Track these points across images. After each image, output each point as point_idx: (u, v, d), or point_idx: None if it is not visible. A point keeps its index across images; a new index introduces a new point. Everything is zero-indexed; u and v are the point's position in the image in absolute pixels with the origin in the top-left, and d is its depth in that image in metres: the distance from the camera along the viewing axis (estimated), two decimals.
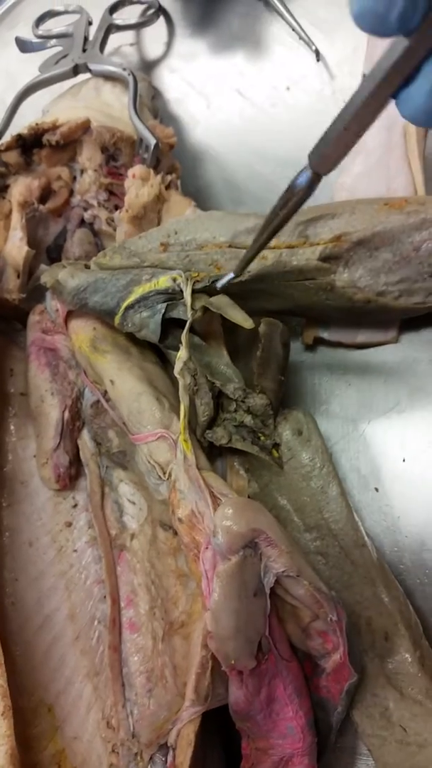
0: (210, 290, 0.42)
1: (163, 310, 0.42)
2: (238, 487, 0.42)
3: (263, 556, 0.35)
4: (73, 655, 0.41)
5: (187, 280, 0.42)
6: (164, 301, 0.42)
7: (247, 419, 0.41)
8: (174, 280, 0.42)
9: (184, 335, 0.40)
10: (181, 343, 0.41)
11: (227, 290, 0.42)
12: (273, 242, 0.43)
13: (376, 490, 0.43)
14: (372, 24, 0.24)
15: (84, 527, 0.45)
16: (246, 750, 0.37)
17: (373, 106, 0.27)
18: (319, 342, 0.48)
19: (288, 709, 0.36)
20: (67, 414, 0.46)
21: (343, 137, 0.30)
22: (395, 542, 0.41)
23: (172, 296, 0.42)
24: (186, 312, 0.41)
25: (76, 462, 0.46)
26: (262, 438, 0.41)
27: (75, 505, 0.45)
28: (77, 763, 0.40)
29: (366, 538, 0.40)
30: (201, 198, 0.53)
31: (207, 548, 0.35)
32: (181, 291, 0.41)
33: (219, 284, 0.41)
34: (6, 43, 0.77)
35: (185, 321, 0.42)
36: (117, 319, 0.43)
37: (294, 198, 0.34)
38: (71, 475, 0.46)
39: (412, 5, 0.23)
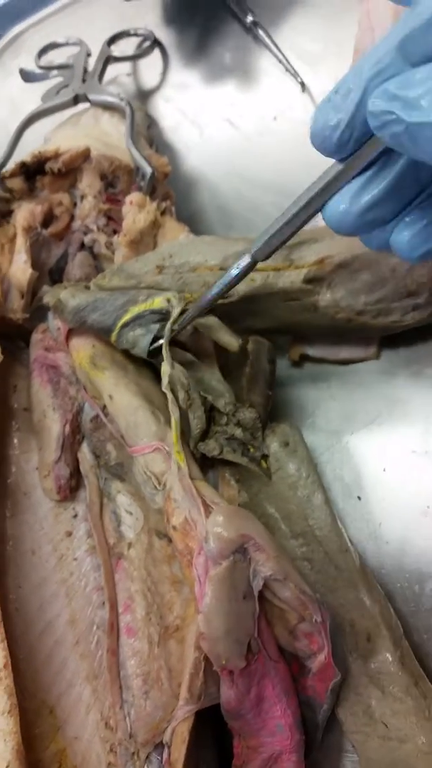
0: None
1: (155, 330, 0.44)
2: (229, 497, 0.44)
3: (252, 561, 0.37)
4: (74, 659, 0.43)
5: (180, 301, 0.44)
6: (158, 321, 0.44)
7: (238, 432, 0.44)
8: (168, 300, 0.44)
9: (164, 349, 0.42)
10: (176, 359, 0.43)
11: (216, 310, 0.45)
12: (260, 265, 0.46)
13: (359, 498, 0.45)
14: (319, 144, 0.29)
15: (83, 536, 0.47)
16: (237, 748, 0.39)
17: (307, 212, 0.33)
18: (304, 358, 0.50)
19: (276, 708, 0.38)
20: (67, 428, 0.48)
21: (279, 232, 0.34)
22: (377, 548, 0.43)
23: (166, 317, 0.44)
24: (179, 332, 0.44)
25: (76, 474, 0.48)
26: (252, 450, 0.44)
27: (75, 515, 0.48)
28: (77, 762, 0.41)
29: (349, 544, 0.43)
30: (194, 222, 0.56)
31: (200, 554, 0.37)
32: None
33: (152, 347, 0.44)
34: (9, 73, 0.80)
35: (180, 340, 0.44)
36: (113, 336, 0.45)
37: (231, 280, 0.38)
38: (71, 487, 0.48)
39: (347, 137, 0.28)
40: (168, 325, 0.43)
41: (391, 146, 0.27)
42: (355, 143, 0.28)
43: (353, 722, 0.40)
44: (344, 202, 0.30)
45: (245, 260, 0.37)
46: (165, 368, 0.42)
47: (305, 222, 0.33)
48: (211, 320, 0.44)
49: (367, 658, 0.40)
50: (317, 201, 0.32)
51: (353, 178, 0.30)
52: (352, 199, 0.30)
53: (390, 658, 0.40)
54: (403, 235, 0.31)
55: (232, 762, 0.39)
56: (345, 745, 0.41)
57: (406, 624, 0.41)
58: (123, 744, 0.41)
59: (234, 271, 0.38)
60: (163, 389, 0.42)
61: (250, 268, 0.37)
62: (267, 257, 0.36)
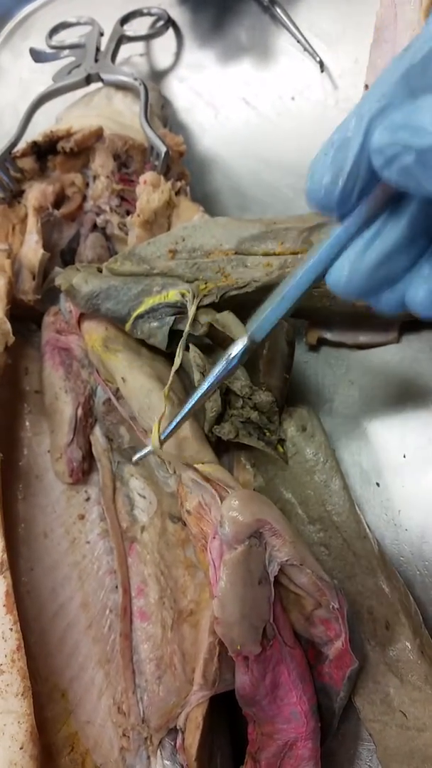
0: (217, 305, 0.44)
1: (171, 323, 0.44)
2: (244, 481, 0.44)
3: (268, 546, 0.36)
4: (86, 643, 0.43)
5: (194, 296, 0.43)
6: (172, 314, 0.44)
7: (254, 415, 0.43)
8: (182, 295, 0.44)
9: (177, 354, 0.41)
10: (186, 348, 0.43)
11: (233, 300, 0.44)
12: (277, 248, 0.45)
13: (377, 484, 0.44)
14: (319, 201, 0.26)
15: (96, 520, 0.47)
16: (252, 735, 0.39)
17: (309, 279, 0.29)
18: (322, 342, 0.49)
19: (292, 695, 0.38)
20: (80, 411, 0.48)
21: (277, 308, 0.31)
22: (396, 535, 0.43)
23: (180, 310, 0.44)
24: (194, 327, 0.43)
25: (88, 457, 0.48)
26: (268, 434, 0.43)
27: (87, 499, 0.47)
28: (90, 746, 0.41)
29: (367, 530, 0.42)
30: (208, 204, 0.55)
31: (214, 538, 0.36)
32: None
33: (134, 459, 0.41)
34: (19, 53, 0.79)
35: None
36: (127, 326, 0.45)
37: (230, 366, 0.33)
38: (84, 470, 0.47)
39: (350, 188, 0.25)
40: (186, 330, 0.42)
41: (400, 187, 0.24)
42: (359, 195, 0.25)
43: (371, 710, 0.40)
44: (349, 261, 0.27)
45: (241, 343, 0.33)
46: (177, 363, 0.41)
47: (306, 290, 0.30)
48: (228, 316, 0.43)
49: (386, 646, 0.40)
50: (319, 267, 0.28)
51: (357, 235, 0.27)
52: (358, 257, 0.27)
53: (409, 647, 0.39)
54: (421, 292, 0.27)
55: (247, 748, 0.39)
56: (361, 734, 0.40)
57: (426, 612, 0.41)
58: (136, 729, 0.40)
59: (231, 360, 0.33)
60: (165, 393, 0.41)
61: (248, 351, 0.33)
62: (266, 336, 0.32)
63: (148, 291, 0.44)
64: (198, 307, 0.42)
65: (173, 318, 0.43)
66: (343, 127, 0.25)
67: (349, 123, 0.24)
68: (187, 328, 0.42)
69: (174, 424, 0.37)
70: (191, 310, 0.42)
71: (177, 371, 0.47)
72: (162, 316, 0.43)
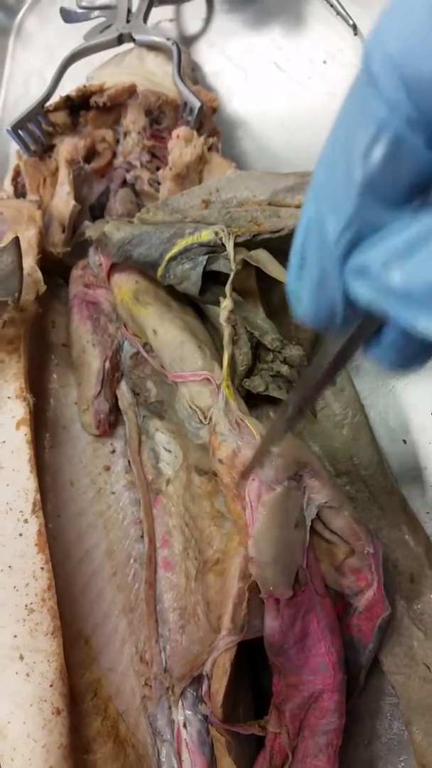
0: (249, 245, 0.44)
1: (204, 263, 0.43)
2: None
3: (307, 489, 0.36)
4: (110, 590, 0.43)
5: (229, 234, 0.43)
6: (206, 254, 0.43)
7: (284, 369, 0.43)
8: (216, 233, 0.43)
9: (228, 286, 0.41)
10: (222, 295, 0.42)
11: (266, 245, 0.44)
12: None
13: (404, 442, 0.44)
14: (308, 323, 0.23)
15: (121, 472, 0.47)
16: (277, 686, 0.39)
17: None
18: None
19: (321, 645, 0.38)
20: (107, 364, 0.48)
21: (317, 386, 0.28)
22: (422, 491, 0.43)
23: (214, 249, 0.43)
24: (225, 265, 0.43)
25: (114, 410, 0.48)
26: None
27: (113, 451, 0.47)
28: (112, 692, 0.41)
29: (394, 485, 0.42)
30: (236, 165, 0.54)
31: (253, 480, 0.36)
32: (223, 244, 0.43)
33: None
34: (46, 18, 0.79)
35: (224, 277, 0.43)
36: (160, 271, 0.44)
37: (284, 425, 0.31)
38: (110, 423, 0.47)
39: (335, 313, 0.22)
40: (232, 263, 0.41)
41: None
42: (349, 314, 0.22)
43: (394, 663, 0.40)
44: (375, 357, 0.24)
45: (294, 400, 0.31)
46: (228, 302, 0.41)
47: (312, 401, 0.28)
48: (262, 254, 0.43)
49: (411, 599, 0.40)
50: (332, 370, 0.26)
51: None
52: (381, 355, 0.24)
53: None
54: None
55: (271, 700, 0.39)
56: (384, 687, 0.40)
57: None
58: (158, 678, 0.40)
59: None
60: (222, 322, 0.41)
61: (304, 410, 0.30)
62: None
63: (181, 233, 0.44)
64: (236, 245, 0.42)
65: (206, 258, 0.43)
66: (303, 242, 0.21)
67: (308, 238, 0.21)
68: (231, 254, 0.41)
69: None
70: (229, 245, 0.41)
71: (206, 326, 0.47)
72: (195, 256, 0.43)
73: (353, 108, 0.19)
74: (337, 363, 0.26)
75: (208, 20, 0.67)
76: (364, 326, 0.23)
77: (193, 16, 0.69)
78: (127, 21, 0.62)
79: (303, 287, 0.22)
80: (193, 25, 0.68)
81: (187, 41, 0.67)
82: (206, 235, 0.44)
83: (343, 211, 0.19)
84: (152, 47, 0.60)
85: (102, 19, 0.64)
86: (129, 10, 0.63)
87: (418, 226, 0.18)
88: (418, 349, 0.23)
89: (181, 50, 0.58)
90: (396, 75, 0.17)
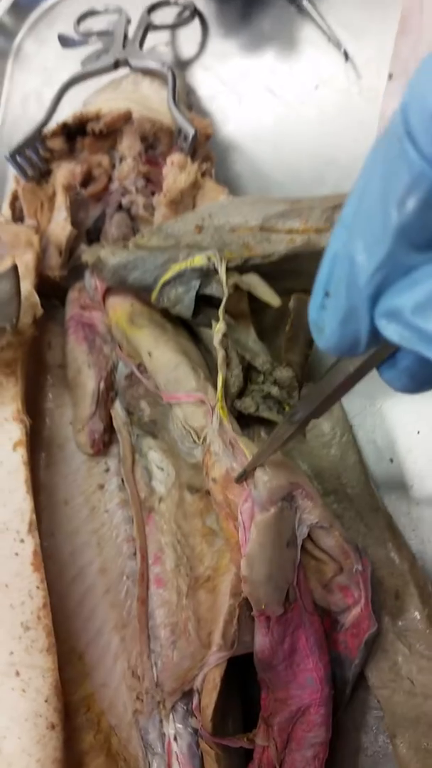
0: (241, 269, 0.45)
1: (197, 287, 0.45)
2: None
3: (299, 509, 0.37)
4: (103, 607, 0.44)
5: (221, 259, 0.44)
6: (198, 278, 0.45)
7: (274, 390, 0.44)
8: (209, 258, 0.45)
9: (221, 309, 0.43)
10: (215, 319, 0.44)
11: (257, 269, 0.45)
12: (301, 226, 0.46)
13: (391, 461, 0.45)
14: (329, 351, 0.24)
15: (115, 490, 0.48)
16: (265, 701, 0.40)
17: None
18: None
19: (308, 661, 0.39)
20: (102, 385, 0.49)
21: (329, 399, 0.31)
22: (408, 509, 0.44)
23: (206, 274, 0.45)
24: (218, 289, 0.44)
25: (109, 430, 0.49)
26: (287, 408, 0.44)
27: (107, 470, 0.48)
28: (105, 707, 0.42)
29: (380, 503, 0.43)
30: (230, 189, 0.55)
31: (246, 501, 0.38)
32: (215, 269, 0.44)
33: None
34: (44, 41, 0.80)
35: (217, 300, 0.45)
36: (154, 295, 0.46)
37: (291, 429, 0.34)
38: (104, 442, 0.48)
39: (360, 340, 0.23)
40: (224, 287, 0.43)
41: None
42: (370, 343, 0.23)
43: (379, 678, 0.41)
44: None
45: (300, 413, 0.33)
46: (221, 325, 0.42)
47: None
48: (253, 278, 0.44)
49: (395, 615, 0.41)
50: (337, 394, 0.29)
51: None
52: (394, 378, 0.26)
53: (418, 616, 0.41)
54: None
55: (260, 714, 0.40)
56: (369, 702, 0.41)
57: None
58: (149, 693, 0.41)
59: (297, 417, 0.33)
60: (215, 345, 0.42)
61: (306, 423, 0.34)
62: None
63: (174, 258, 0.45)
64: (228, 269, 0.43)
65: (199, 282, 0.44)
66: (334, 272, 0.22)
67: (339, 270, 0.22)
68: (223, 278, 0.42)
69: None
70: (222, 269, 0.43)
71: (199, 348, 0.49)
72: (188, 281, 0.44)
73: (390, 155, 0.20)
74: (351, 381, 0.28)
75: (203, 44, 0.69)
76: (380, 351, 0.24)
77: (188, 40, 0.70)
78: (123, 47, 0.63)
79: (327, 319, 0.23)
80: (188, 49, 0.69)
81: (182, 65, 0.69)
82: (199, 260, 0.45)
83: (376, 254, 0.20)
84: (148, 72, 0.61)
85: (99, 45, 0.66)
86: (125, 36, 0.64)
87: None
88: (429, 375, 0.25)
89: (176, 75, 0.59)
90: None
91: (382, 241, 0.20)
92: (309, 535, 0.38)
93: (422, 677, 0.40)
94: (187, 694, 0.40)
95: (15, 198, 0.54)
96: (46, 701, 0.36)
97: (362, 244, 0.21)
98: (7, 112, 0.78)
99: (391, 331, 0.21)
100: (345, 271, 0.22)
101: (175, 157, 0.51)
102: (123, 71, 0.63)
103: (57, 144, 0.55)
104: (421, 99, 0.19)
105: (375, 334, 0.22)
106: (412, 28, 0.50)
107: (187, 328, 0.50)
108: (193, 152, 0.52)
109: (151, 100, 0.58)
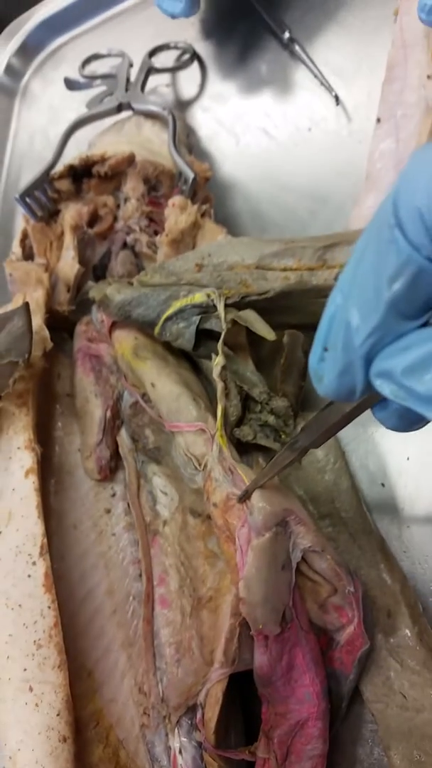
0: (238, 305, 0.48)
1: (197, 322, 0.47)
2: None
3: (292, 534, 0.40)
4: (111, 627, 0.46)
5: (220, 296, 0.47)
6: (199, 314, 0.48)
7: (271, 419, 0.47)
8: (208, 296, 0.48)
9: (220, 344, 0.45)
10: (214, 351, 0.46)
11: (254, 305, 0.48)
12: (294, 264, 0.49)
13: (383, 485, 0.48)
14: (328, 396, 0.27)
15: (121, 514, 0.50)
16: (266, 714, 0.41)
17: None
18: None
19: (306, 677, 0.41)
20: (108, 413, 0.52)
21: (327, 432, 0.34)
22: (399, 532, 0.46)
23: (206, 310, 0.48)
24: (217, 324, 0.47)
25: (115, 456, 0.52)
26: (284, 436, 0.47)
27: (114, 495, 0.51)
28: (113, 722, 0.44)
29: (372, 526, 0.45)
30: (228, 226, 0.58)
31: (243, 526, 0.40)
32: (214, 305, 0.47)
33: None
34: (50, 82, 0.84)
35: (216, 333, 0.47)
36: (157, 329, 0.49)
37: (292, 456, 0.37)
38: (111, 468, 0.51)
39: (355, 389, 0.26)
40: (223, 322, 0.45)
41: None
42: (365, 390, 0.26)
43: (373, 692, 0.43)
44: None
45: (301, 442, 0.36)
46: (220, 359, 0.45)
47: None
48: (250, 314, 0.47)
49: (388, 633, 0.43)
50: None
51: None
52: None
53: (409, 634, 0.43)
54: None
55: (261, 727, 0.42)
56: (364, 716, 0.43)
57: (426, 602, 0.44)
58: (155, 708, 0.43)
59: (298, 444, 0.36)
60: (215, 377, 0.45)
61: (305, 452, 0.37)
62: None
63: (176, 296, 0.48)
64: (227, 305, 0.46)
65: (199, 318, 0.47)
66: (332, 330, 0.25)
67: (334, 338, 0.25)
68: (222, 314, 0.45)
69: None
70: (220, 306, 0.46)
71: (199, 378, 0.51)
72: (189, 317, 0.47)
73: (382, 238, 0.23)
74: (347, 418, 0.31)
75: (202, 86, 0.72)
76: (373, 396, 0.27)
77: (188, 81, 0.74)
78: (126, 89, 0.67)
79: (326, 370, 0.26)
80: (188, 90, 0.73)
81: (182, 106, 0.72)
82: (199, 297, 0.48)
83: (370, 320, 0.23)
84: (150, 115, 0.65)
85: (103, 88, 0.69)
86: (128, 80, 0.68)
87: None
88: (418, 418, 0.27)
89: (176, 118, 0.62)
90: (421, 224, 0.21)
91: (375, 310, 0.23)
92: (303, 558, 0.40)
93: (413, 692, 0.42)
94: (192, 709, 0.42)
95: (25, 236, 0.57)
96: (58, 715, 0.38)
97: (357, 310, 0.24)
98: (15, 148, 0.82)
99: (385, 389, 0.24)
100: (342, 331, 0.24)
101: (177, 200, 0.54)
102: (126, 113, 0.66)
103: (64, 185, 0.58)
104: (410, 193, 0.22)
105: (369, 386, 0.25)
106: (397, 77, 0.53)
107: (189, 359, 0.52)
108: (193, 194, 0.55)
109: (153, 143, 0.61)
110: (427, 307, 0.23)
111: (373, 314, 0.23)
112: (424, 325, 0.23)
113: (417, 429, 0.28)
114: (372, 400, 0.28)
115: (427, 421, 0.27)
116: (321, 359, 0.26)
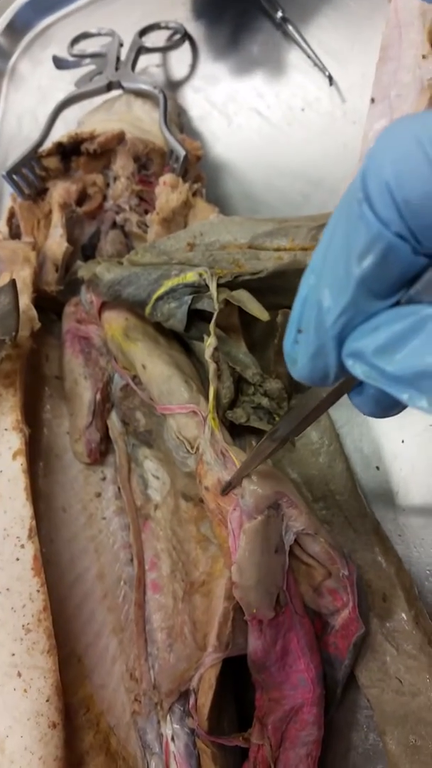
0: (231, 285, 0.47)
1: (189, 302, 0.46)
2: None
3: (285, 517, 0.39)
4: (101, 612, 0.46)
5: (212, 276, 0.46)
6: (190, 294, 0.47)
7: (264, 401, 0.46)
8: (200, 275, 0.47)
9: (212, 324, 0.44)
10: (206, 332, 0.45)
11: (247, 285, 0.47)
12: (288, 244, 0.48)
13: (377, 468, 0.47)
14: (303, 380, 0.26)
15: (112, 498, 0.49)
16: (260, 701, 0.41)
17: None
18: None
19: (300, 662, 0.40)
20: (98, 396, 0.51)
21: (306, 419, 0.33)
22: (394, 515, 0.46)
23: (198, 289, 0.47)
24: (209, 304, 0.46)
25: (105, 440, 0.51)
26: (277, 418, 0.46)
27: (104, 478, 0.50)
28: (104, 708, 0.43)
29: (367, 509, 0.45)
30: (220, 207, 0.57)
31: (235, 509, 0.39)
32: (206, 285, 0.46)
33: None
34: (38, 62, 0.82)
35: (208, 314, 0.46)
36: (148, 309, 0.48)
37: (272, 446, 0.36)
38: (101, 451, 0.50)
39: (329, 372, 0.25)
40: (215, 302, 0.44)
41: None
42: (338, 374, 0.25)
43: (369, 677, 0.42)
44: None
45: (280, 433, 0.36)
46: (212, 340, 0.44)
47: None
48: (243, 293, 0.46)
49: (383, 617, 0.42)
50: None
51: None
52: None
53: (405, 618, 0.42)
54: None
55: (254, 714, 0.41)
56: (359, 701, 0.43)
57: (422, 586, 0.44)
58: (147, 694, 0.43)
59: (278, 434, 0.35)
60: (207, 358, 0.44)
61: (285, 442, 0.36)
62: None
63: (167, 275, 0.47)
64: (219, 285, 0.45)
65: (191, 297, 0.46)
66: (304, 314, 0.24)
67: (307, 321, 0.24)
68: (214, 294, 0.44)
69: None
70: (212, 285, 0.45)
71: (191, 360, 0.50)
72: (180, 296, 0.46)
73: (352, 215, 0.22)
74: (325, 404, 0.30)
75: (193, 66, 0.71)
76: (349, 381, 0.26)
77: (179, 61, 0.72)
78: (116, 69, 0.65)
79: (299, 353, 0.25)
80: (179, 71, 0.72)
81: (173, 86, 0.71)
82: (191, 276, 0.47)
83: (340, 300, 0.23)
84: (140, 94, 0.63)
85: (92, 67, 0.68)
86: (118, 59, 0.66)
87: (402, 323, 0.22)
88: (393, 403, 0.27)
89: (168, 97, 0.61)
90: (389, 198, 0.21)
91: (346, 289, 0.22)
92: (296, 541, 0.39)
93: (409, 676, 0.41)
94: (184, 695, 0.41)
95: (12, 215, 0.56)
96: (47, 701, 0.37)
97: (328, 290, 0.23)
98: (2, 129, 0.80)
99: (356, 370, 0.23)
100: (314, 312, 0.24)
101: (167, 178, 0.52)
102: (116, 92, 0.65)
103: (52, 163, 0.56)
104: (378, 169, 0.21)
105: (342, 368, 0.24)
106: (391, 57, 0.52)
107: (180, 341, 0.51)
108: (185, 173, 0.54)
109: (143, 122, 0.60)
110: (397, 286, 0.22)
111: (344, 293, 0.23)
112: (396, 305, 0.23)
113: (394, 415, 0.28)
114: (348, 384, 0.27)
115: (403, 407, 0.27)
116: (295, 342, 0.25)
